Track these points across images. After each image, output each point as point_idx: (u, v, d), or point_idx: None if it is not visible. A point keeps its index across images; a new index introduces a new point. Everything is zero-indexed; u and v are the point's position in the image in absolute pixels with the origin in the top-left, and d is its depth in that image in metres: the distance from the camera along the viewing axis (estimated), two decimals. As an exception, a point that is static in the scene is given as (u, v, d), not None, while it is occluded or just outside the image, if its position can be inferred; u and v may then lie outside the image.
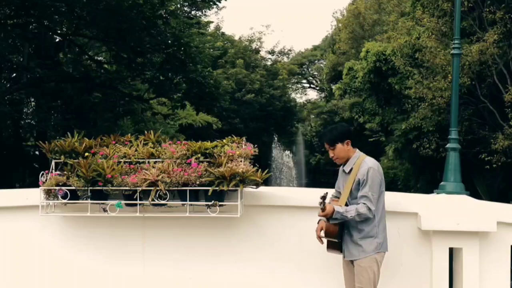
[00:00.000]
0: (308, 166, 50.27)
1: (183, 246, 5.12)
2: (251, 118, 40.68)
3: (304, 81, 58.36)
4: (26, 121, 21.67)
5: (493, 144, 15.14)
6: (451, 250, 4.91)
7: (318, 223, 4.45)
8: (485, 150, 15.76)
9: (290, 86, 51.91)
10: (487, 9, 15.47)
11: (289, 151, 41.59)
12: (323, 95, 52.98)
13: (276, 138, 41.35)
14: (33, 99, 20.77)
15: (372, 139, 30.11)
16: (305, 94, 62.74)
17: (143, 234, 5.13)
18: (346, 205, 4.26)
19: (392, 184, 28.14)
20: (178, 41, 16.38)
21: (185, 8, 22.21)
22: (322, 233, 4.36)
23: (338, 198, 4.50)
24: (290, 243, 5.07)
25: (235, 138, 5.19)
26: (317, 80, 56.05)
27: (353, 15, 31.80)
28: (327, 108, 45.91)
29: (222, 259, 5.10)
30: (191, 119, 28.75)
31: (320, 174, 52.32)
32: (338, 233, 4.28)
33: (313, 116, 52.89)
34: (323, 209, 4.13)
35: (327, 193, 4.17)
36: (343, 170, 4.44)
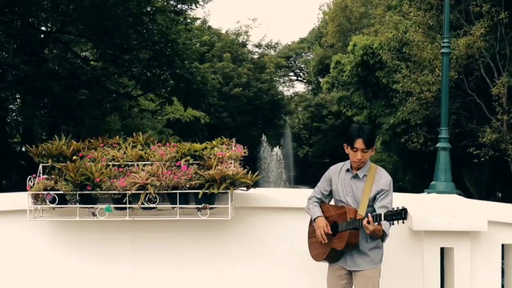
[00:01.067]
0: (296, 159, 50.39)
1: (174, 249, 5.08)
2: (238, 112, 40.68)
3: (291, 74, 58.41)
4: (12, 117, 21.48)
5: (481, 137, 15.21)
6: (442, 250, 4.91)
7: (314, 221, 4.22)
8: (473, 143, 15.83)
9: (277, 79, 51.91)
10: (474, 3, 15.51)
11: (277, 147, 41.64)
12: (310, 88, 53.03)
13: (264, 136, 41.34)
14: (18, 96, 20.56)
15: (360, 132, 30.19)
16: (293, 87, 62.90)
17: (133, 238, 5.08)
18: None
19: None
20: (165, 38, 16.26)
21: (171, 2, 22.02)
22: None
23: (323, 201, 4.32)
24: (281, 244, 5.05)
25: (225, 139, 5.13)
26: (304, 72, 56.11)
27: (340, 8, 31.77)
28: (314, 102, 45.98)
29: (213, 261, 5.07)
30: (178, 114, 28.66)
31: (308, 166, 52.43)
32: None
33: (300, 109, 52.96)
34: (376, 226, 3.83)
35: (381, 214, 3.83)
36: (355, 175, 4.16)
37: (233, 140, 5.11)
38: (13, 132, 22.81)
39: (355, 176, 4.16)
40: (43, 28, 18.84)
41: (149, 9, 15.33)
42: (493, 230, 4.82)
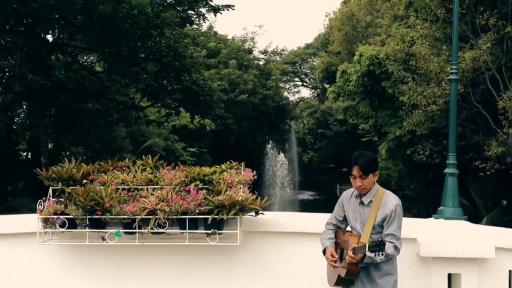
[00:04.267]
0: (301, 164, 50.43)
1: (183, 274, 5.10)
2: (244, 118, 40.75)
3: (297, 79, 58.49)
4: (18, 122, 21.57)
5: (487, 150, 15.18)
6: (450, 276, 4.92)
7: (324, 251, 4.29)
8: (479, 156, 15.79)
9: (282, 85, 51.97)
10: (480, 16, 15.50)
11: (282, 154, 41.65)
12: (315, 93, 53.08)
13: (269, 143, 41.40)
14: (25, 103, 20.64)
15: (365, 139, 30.25)
16: (298, 92, 63.01)
17: (142, 262, 5.11)
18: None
19: (386, 185, 28.18)
20: (172, 51, 16.29)
21: (179, 8, 22.08)
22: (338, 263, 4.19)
23: (338, 226, 4.38)
24: (290, 269, 5.07)
25: (234, 163, 5.16)
26: (310, 78, 56.17)
27: (346, 17, 31.75)
28: (320, 109, 46.05)
29: (221, 286, 5.08)
30: (184, 120, 28.69)
31: (313, 171, 52.49)
32: (359, 273, 4.12)
33: (305, 114, 53.04)
34: (355, 256, 3.94)
35: (365, 244, 3.90)
36: (361, 202, 4.17)
37: (242, 164, 5.14)
38: (19, 139, 22.89)
39: (362, 203, 4.17)
40: (50, 38, 18.92)
41: (157, 21, 15.28)
42: (500, 257, 4.84)
